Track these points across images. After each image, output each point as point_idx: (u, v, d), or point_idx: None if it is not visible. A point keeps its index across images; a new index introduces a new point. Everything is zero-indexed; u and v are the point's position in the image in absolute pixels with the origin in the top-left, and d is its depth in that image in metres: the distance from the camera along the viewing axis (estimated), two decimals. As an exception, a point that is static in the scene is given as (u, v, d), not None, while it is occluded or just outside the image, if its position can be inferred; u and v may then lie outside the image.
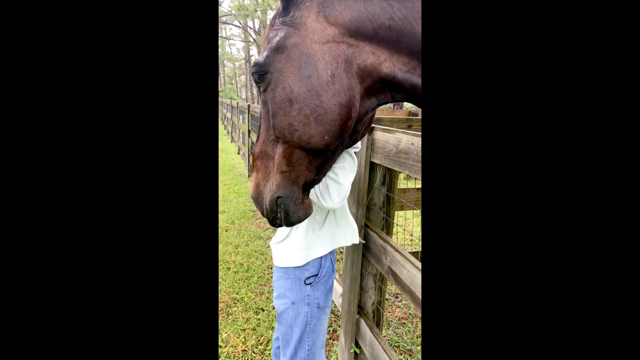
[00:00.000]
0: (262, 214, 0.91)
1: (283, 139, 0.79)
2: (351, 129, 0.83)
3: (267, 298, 2.57)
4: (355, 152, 1.07)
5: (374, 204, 1.70)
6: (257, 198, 0.90)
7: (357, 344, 1.82)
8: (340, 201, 1.02)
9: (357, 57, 0.76)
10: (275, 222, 0.90)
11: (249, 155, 6.28)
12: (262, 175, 0.88)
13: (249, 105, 6.22)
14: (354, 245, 1.51)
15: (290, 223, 0.89)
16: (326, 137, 0.78)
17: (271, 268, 3.02)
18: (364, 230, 1.67)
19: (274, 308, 2.44)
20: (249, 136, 6.21)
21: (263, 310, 2.42)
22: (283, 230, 1.18)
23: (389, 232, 1.74)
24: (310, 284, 1.11)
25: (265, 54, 0.79)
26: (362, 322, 1.76)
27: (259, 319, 2.32)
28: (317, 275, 1.12)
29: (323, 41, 0.75)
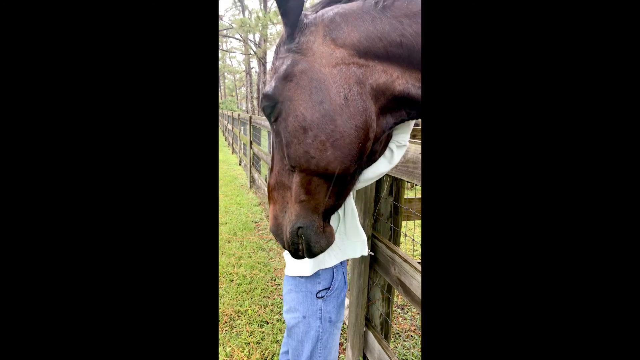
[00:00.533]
0: (284, 247, 0.87)
1: (299, 168, 0.77)
2: (369, 149, 0.81)
3: (271, 310, 2.53)
4: (398, 146, 0.95)
5: (381, 214, 1.69)
6: (277, 231, 0.86)
7: (364, 357, 1.78)
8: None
9: (369, 77, 0.74)
10: (297, 254, 0.86)
11: (250, 167, 6.29)
12: (279, 207, 0.84)
13: (250, 117, 6.25)
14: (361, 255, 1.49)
15: (312, 254, 0.84)
16: (345, 161, 0.75)
17: (274, 280, 2.99)
18: (372, 240, 1.65)
19: (278, 321, 2.40)
20: (250, 147, 6.23)
21: (267, 323, 2.38)
22: None
23: (396, 242, 1.72)
24: (322, 297, 1.09)
25: (272, 84, 0.77)
26: (370, 334, 1.73)
27: (263, 332, 2.28)
28: (329, 288, 1.10)
29: (332, 64, 0.74)
